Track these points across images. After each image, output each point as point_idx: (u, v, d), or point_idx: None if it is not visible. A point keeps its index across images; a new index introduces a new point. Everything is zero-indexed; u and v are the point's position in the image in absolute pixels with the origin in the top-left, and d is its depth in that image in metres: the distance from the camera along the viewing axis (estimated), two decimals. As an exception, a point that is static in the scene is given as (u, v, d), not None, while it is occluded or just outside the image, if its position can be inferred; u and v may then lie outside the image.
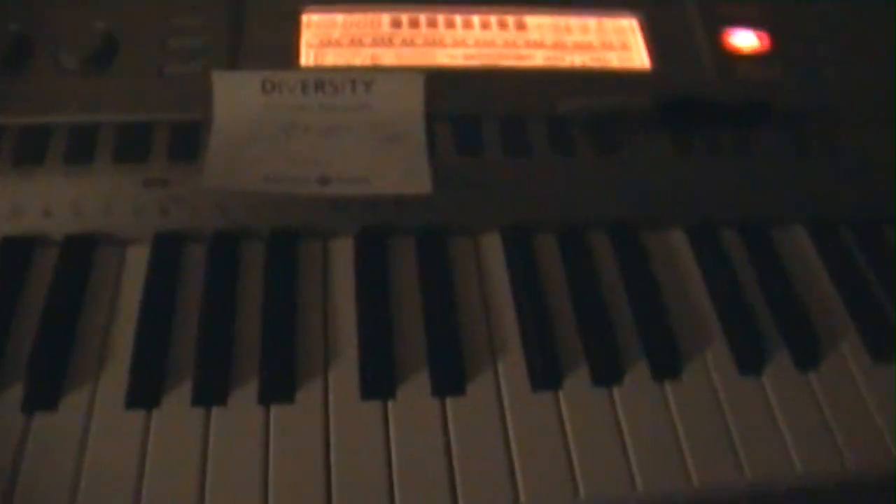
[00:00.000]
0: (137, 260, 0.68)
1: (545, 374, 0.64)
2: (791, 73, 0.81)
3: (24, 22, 0.74)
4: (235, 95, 0.71)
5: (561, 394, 0.63)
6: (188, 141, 0.70)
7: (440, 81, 0.74)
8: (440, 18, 0.80)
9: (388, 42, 0.78)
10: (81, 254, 0.68)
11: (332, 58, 0.76)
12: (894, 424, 0.64)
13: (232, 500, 0.57)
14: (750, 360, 0.66)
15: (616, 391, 0.64)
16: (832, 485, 0.63)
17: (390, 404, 0.62)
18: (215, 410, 0.61)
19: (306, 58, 0.76)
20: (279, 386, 0.62)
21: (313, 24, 0.78)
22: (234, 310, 0.66)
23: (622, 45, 0.81)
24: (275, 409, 0.61)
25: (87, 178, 0.69)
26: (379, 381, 0.62)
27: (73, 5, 0.76)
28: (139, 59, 0.74)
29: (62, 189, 0.68)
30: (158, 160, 0.69)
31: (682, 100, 0.76)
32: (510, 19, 0.81)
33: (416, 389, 0.63)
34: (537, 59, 0.79)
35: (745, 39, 0.82)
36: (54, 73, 0.73)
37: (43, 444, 0.59)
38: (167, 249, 0.68)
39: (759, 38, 0.82)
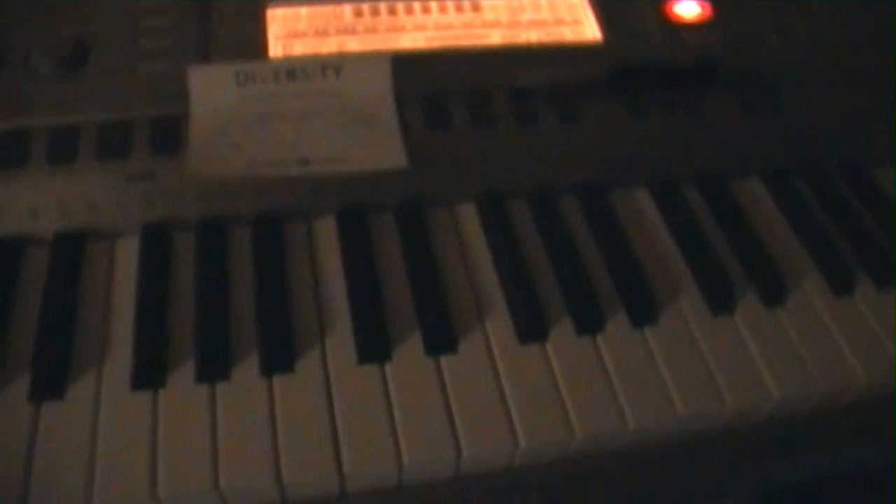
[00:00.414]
0: (127, 252, 0.70)
1: (531, 327, 0.67)
2: (732, 38, 0.85)
3: (-5, 31, 0.76)
4: (211, 88, 0.74)
5: (548, 345, 0.67)
6: (169, 134, 0.72)
7: (405, 64, 0.77)
8: (399, 6, 0.83)
9: (351, 31, 0.81)
10: (72, 250, 0.69)
11: (299, 48, 0.79)
12: (859, 349, 0.69)
13: (244, 469, 0.59)
14: (721, 301, 0.70)
15: (599, 339, 0.67)
16: (806, 408, 0.68)
17: (387, 367, 0.64)
18: (220, 385, 0.63)
19: (275, 49, 0.79)
20: (279, 357, 0.64)
21: (278, 18, 0.80)
22: (228, 290, 0.68)
23: (574, 19, 0.84)
24: (277, 380, 0.63)
25: (71, 177, 0.70)
26: (374, 346, 0.65)
27: (42, 13, 0.77)
28: (112, 61, 0.76)
29: (48, 189, 0.70)
30: (141, 154, 0.71)
31: (632, 67, 0.80)
32: (466, 3, 0.84)
33: (410, 352, 0.65)
34: (495, 37, 0.82)
35: (687, 8, 0.86)
36: (29, 79, 0.74)
37: (54, 432, 0.60)
38: (156, 239, 0.70)
39: (702, 6, 0.86)
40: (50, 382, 0.62)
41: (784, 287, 0.71)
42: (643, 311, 0.69)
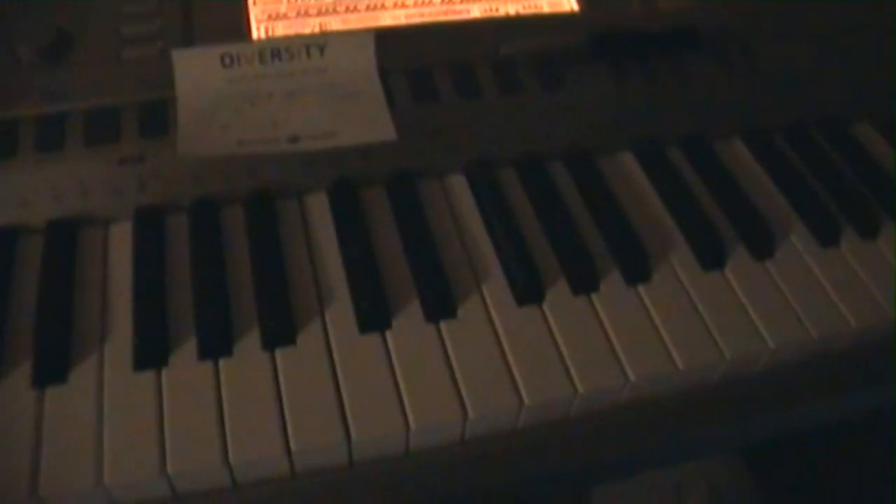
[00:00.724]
0: (121, 236, 0.70)
1: (528, 290, 0.68)
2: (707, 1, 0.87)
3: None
4: (197, 71, 0.74)
5: (545, 306, 0.67)
6: (157, 118, 0.72)
7: (389, 39, 0.78)
8: (379, -15, 0.84)
9: (332, 11, 0.81)
10: (66, 237, 0.69)
11: (281, 29, 0.80)
12: (848, 298, 0.70)
13: (253, 443, 0.59)
14: (711, 256, 0.71)
15: (595, 297, 0.68)
16: (799, 358, 0.69)
17: (388, 334, 0.65)
18: (223, 362, 0.63)
19: (257, 32, 0.79)
20: (280, 330, 0.64)
21: (259, 1, 0.81)
22: (225, 269, 0.68)
23: (550, -9, 0.85)
24: (280, 353, 0.64)
25: (61, 165, 0.70)
26: (374, 315, 0.65)
27: (24, 2, 0.77)
28: (96, 48, 0.76)
29: (38, 178, 0.70)
30: (130, 138, 0.71)
31: (611, 34, 0.82)
32: (443, -21, 0.85)
33: (410, 319, 0.66)
34: (474, 11, 0.83)
35: (662, -28, 0.87)
36: (13, 68, 0.74)
37: (59, 416, 0.60)
38: (150, 222, 0.70)
39: (675, -30, 0.87)
40: (52, 367, 0.62)
41: (772, 240, 0.73)
42: (636, 269, 0.70)
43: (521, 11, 0.84)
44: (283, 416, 0.60)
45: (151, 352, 0.63)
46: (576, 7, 0.84)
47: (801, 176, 0.78)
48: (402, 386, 0.62)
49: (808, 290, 0.70)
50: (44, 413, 0.60)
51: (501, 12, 0.83)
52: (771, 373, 0.69)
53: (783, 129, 0.83)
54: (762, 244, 0.72)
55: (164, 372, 0.62)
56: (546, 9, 0.84)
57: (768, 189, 0.78)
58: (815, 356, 0.69)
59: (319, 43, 0.76)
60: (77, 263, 0.68)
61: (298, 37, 0.78)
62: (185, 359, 0.63)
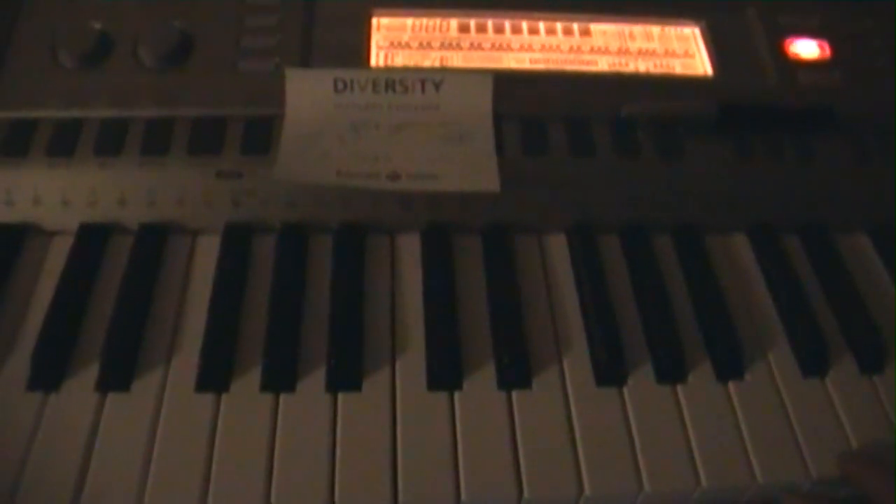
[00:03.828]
0: (208, 249, 0.70)
1: (610, 370, 0.64)
2: (851, 81, 0.81)
3: (106, 20, 0.76)
4: (307, 92, 0.73)
5: (625, 390, 0.64)
6: (261, 135, 0.72)
7: (507, 83, 0.75)
8: (507, 24, 0.81)
9: (456, 46, 0.79)
10: (155, 242, 0.69)
11: (401, 59, 0.78)
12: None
13: (299, 485, 0.58)
14: (814, 362, 0.66)
15: (680, 389, 0.64)
16: None
17: (457, 396, 0.63)
18: (283, 397, 0.62)
19: (376, 59, 0.77)
20: (347, 374, 0.63)
21: (383, 27, 0.79)
22: (303, 299, 0.67)
23: (685, 52, 0.81)
24: (342, 397, 0.62)
25: (161, 169, 0.70)
26: (446, 373, 0.63)
27: (152, 5, 0.78)
28: (214, 57, 0.75)
29: (138, 179, 0.70)
30: (231, 153, 0.71)
31: (743, 105, 0.77)
32: (575, 26, 0.82)
33: (482, 382, 0.64)
34: (602, 64, 0.79)
35: (806, 48, 0.82)
36: (133, 69, 0.75)
37: (116, 424, 0.60)
38: (238, 239, 0.70)
39: (820, 46, 0.82)
40: (118, 374, 0.62)
41: (882, 354, 0.67)
42: (730, 364, 0.66)
43: (652, 70, 0.80)
44: (333, 463, 0.59)
45: (215, 375, 0.63)
46: (710, 71, 0.80)
47: (932, 286, 0.72)
48: (460, 453, 0.60)
49: (918, 415, 0.65)
50: (101, 418, 0.61)
51: (631, 68, 0.80)
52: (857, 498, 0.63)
53: (915, 230, 0.76)
54: (871, 357, 0.67)
55: (224, 398, 0.62)
56: (678, 70, 0.80)
57: (889, 295, 0.72)
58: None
59: (436, 79, 0.74)
60: (161, 270, 0.69)
61: (415, 69, 0.76)
62: (247, 387, 0.63)
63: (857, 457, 0.61)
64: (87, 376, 0.62)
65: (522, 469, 0.59)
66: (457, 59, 0.78)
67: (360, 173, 0.70)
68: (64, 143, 0.71)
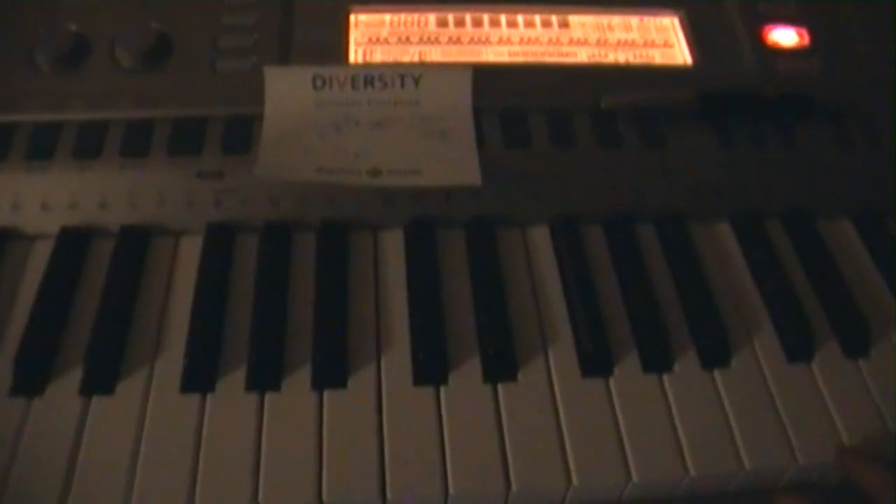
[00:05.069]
0: (191, 250, 0.69)
1: (596, 361, 0.64)
2: (830, 69, 0.81)
3: (83, 22, 0.76)
4: (287, 90, 0.72)
5: (611, 380, 0.64)
6: (241, 134, 0.72)
7: (487, 77, 0.75)
8: (485, 17, 0.81)
9: (434, 40, 0.79)
10: (137, 244, 0.69)
11: (379, 55, 0.78)
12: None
13: (286, 484, 0.58)
14: (799, 348, 0.66)
15: (666, 378, 0.64)
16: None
17: (442, 390, 0.62)
18: (269, 396, 0.62)
19: (355, 55, 0.77)
20: (332, 371, 0.62)
21: (361, 24, 0.79)
22: (287, 298, 0.67)
23: (664, 42, 0.81)
24: (328, 395, 0.62)
25: (142, 171, 0.70)
26: (431, 368, 0.63)
27: (129, 6, 0.77)
28: (192, 57, 0.75)
29: (118, 182, 0.70)
30: (212, 153, 0.71)
31: (723, 94, 0.77)
32: (554, 18, 0.82)
33: (468, 376, 0.63)
34: (581, 56, 0.79)
35: (784, 36, 0.82)
36: (111, 71, 0.74)
37: (101, 427, 0.60)
38: (220, 239, 0.69)
39: (799, 34, 0.82)
40: (102, 377, 0.62)
41: (868, 337, 0.68)
42: (715, 352, 0.66)
43: (632, 61, 0.80)
44: (320, 460, 0.59)
45: (199, 376, 0.62)
46: (689, 61, 0.80)
47: (912, 268, 0.73)
48: (447, 447, 0.60)
49: (904, 397, 0.65)
50: (86, 422, 0.60)
51: (610, 59, 0.80)
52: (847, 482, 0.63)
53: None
54: (857, 340, 0.67)
55: (210, 398, 0.62)
56: (658, 59, 0.80)
57: (873, 279, 0.72)
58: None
59: (415, 73, 0.74)
60: (143, 273, 0.68)
61: (394, 65, 0.76)
62: (232, 387, 0.62)
63: (855, 452, 0.61)
64: (71, 380, 0.62)
65: (510, 462, 0.59)
66: (435, 54, 0.78)
67: (342, 170, 0.69)
68: (42, 146, 0.70)
